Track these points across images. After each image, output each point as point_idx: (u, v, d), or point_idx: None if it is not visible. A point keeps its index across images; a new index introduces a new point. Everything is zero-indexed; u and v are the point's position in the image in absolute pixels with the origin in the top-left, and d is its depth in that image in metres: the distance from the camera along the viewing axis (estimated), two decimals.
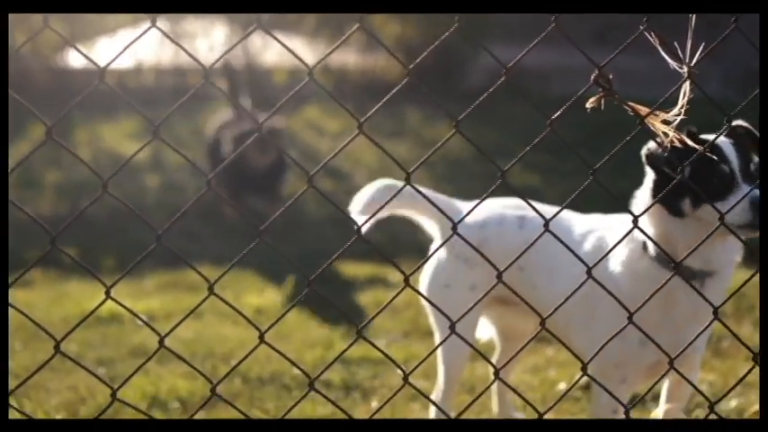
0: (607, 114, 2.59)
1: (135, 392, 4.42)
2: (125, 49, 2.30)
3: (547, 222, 2.58)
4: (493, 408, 4.21)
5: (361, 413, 4.20)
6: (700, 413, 4.06)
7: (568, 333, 3.36)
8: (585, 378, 3.36)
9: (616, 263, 3.19)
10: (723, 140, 3.00)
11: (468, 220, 3.57)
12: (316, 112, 10.60)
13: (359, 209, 3.69)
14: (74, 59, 11.50)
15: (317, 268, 6.40)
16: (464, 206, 3.68)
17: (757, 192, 2.88)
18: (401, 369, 2.70)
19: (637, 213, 2.93)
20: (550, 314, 2.62)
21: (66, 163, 8.84)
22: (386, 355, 2.74)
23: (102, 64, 2.18)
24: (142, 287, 6.21)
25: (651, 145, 2.97)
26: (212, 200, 7.47)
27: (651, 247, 3.09)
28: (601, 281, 2.78)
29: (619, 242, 2.80)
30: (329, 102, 11.02)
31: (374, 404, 4.30)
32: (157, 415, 4.22)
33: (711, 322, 2.83)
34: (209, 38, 11.64)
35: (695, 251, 2.89)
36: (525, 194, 3.75)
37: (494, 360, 4.11)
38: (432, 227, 3.80)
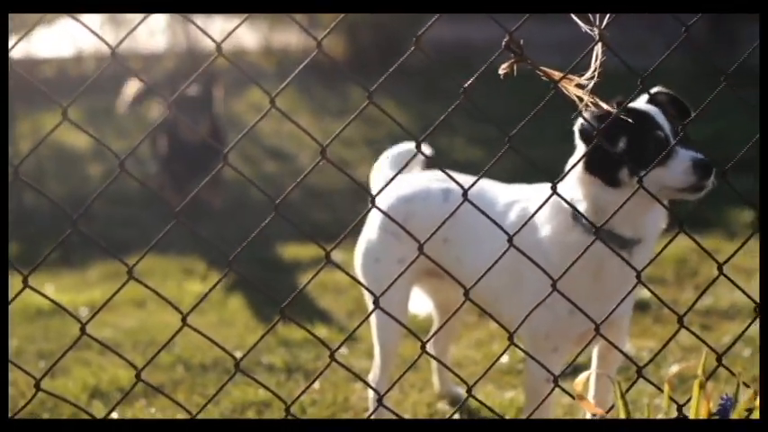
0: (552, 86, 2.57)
1: (76, 384, 4.38)
2: (131, 32, 2.28)
3: (465, 192, 2.56)
4: (434, 383, 4.20)
5: (303, 394, 4.17)
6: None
7: (498, 305, 3.35)
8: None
9: (545, 233, 3.18)
10: (651, 108, 3.03)
11: (397, 193, 3.56)
12: (259, 94, 10.51)
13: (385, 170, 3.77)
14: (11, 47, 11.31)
15: (261, 251, 6.38)
16: (406, 178, 3.66)
17: (699, 154, 2.92)
18: (327, 347, 2.69)
19: (565, 183, 2.93)
20: (473, 285, 2.60)
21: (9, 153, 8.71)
22: (311, 334, 2.72)
23: (42, 54, 2.14)
24: (85, 278, 6.13)
25: (583, 120, 2.96)
26: (156, 186, 7.40)
27: (584, 220, 3.07)
28: (528, 251, 2.80)
29: (538, 209, 2.78)
30: (273, 84, 10.94)
31: (316, 386, 4.28)
32: (98, 405, 4.17)
33: (634, 287, 2.83)
34: (149, 23, 11.50)
35: (628, 219, 2.91)
36: (469, 168, 3.75)
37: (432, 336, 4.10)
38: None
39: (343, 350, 4.69)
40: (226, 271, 2.56)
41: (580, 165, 3.06)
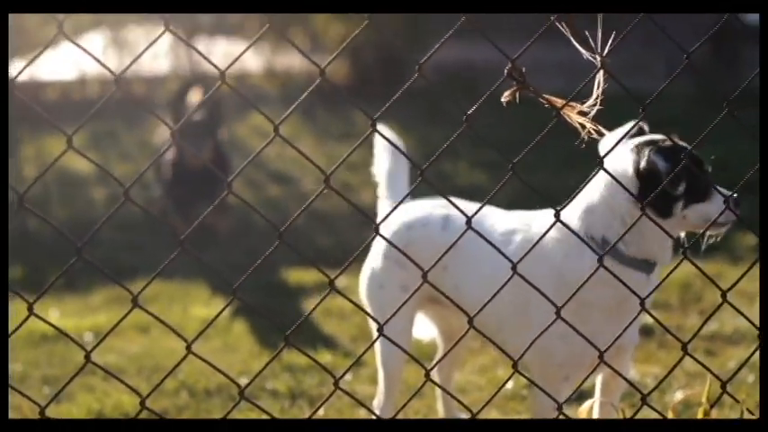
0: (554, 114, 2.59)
1: (80, 410, 4.37)
2: (140, 55, 2.30)
3: (469, 220, 2.57)
4: (439, 410, 4.19)
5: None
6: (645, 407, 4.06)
7: (502, 334, 3.34)
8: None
9: (565, 262, 3.18)
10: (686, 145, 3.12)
11: (398, 221, 3.57)
12: (262, 118, 10.51)
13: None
14: (16, 72, 11.37)
15: (265, 276, 6.37)
16: (410, 205, 3.67)
17: (735, 194, 3.09)
18: (331, 375, 2.68)
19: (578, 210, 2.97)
20: (477, 312, 2.61)
21: (11, 178, 8.74)
22: (315, 361, 2.72)
23: (46, 77, 2.16)
24: (89, 303, 6.13)
25: (644, 159, 3.08)
26: (160, 212, 7.42)
27: (625, 250, 3.14)
28: (536, 279, 2.83)
29: (540, 239, 2.79)
30: (276, 108, 10.98)
31: (321, 412, 4.27)
32: None
33: (639, 313, 2.83)
34: (153, 46, 11.55)
35: (663, 245, 3.14)
36: (473, 193, 3.76)
37: (436, 362, 4.09)
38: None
39: (348, 376, 4.68)
40: (230, 299, 2.54)
41: (630, 199, 3.07)
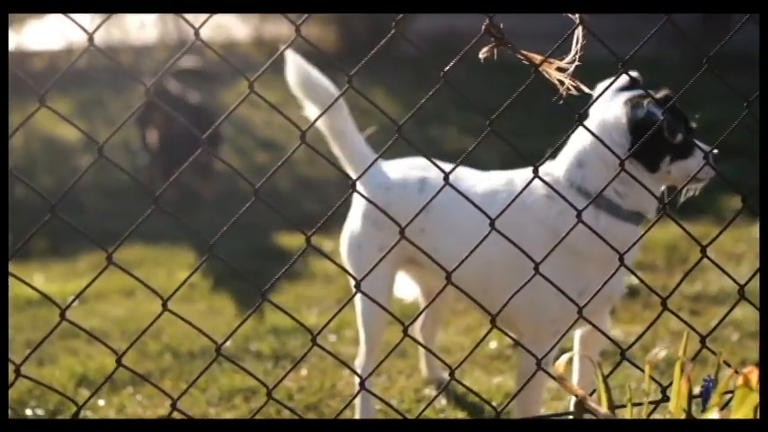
0: (541, 78, 2.58)
1: (63, 372, 4.37)
2: (100, 24, 2.25)
3: (447, 176, 2.56)
4: (422, 369, 4.20)
5: (290, 380, 4.17)
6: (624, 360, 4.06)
7: (489, 299, 3.33)
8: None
9: (554, 214, 3.17)
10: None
11: (377, 181, 3.55)
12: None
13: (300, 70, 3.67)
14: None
15: (252, 240, 6.35)
16: (388, 166, 3.65)
17: (715, 151, 3.08)
18: (310, 332, 2.68)
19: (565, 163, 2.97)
20: (455, 269, 2.60)
21: None
22: (294, 319, 2.71)
23: (33, 47, 2.14)
24: (75, 268, 6.13)
25: (639, 109, 3.07)
26: (147, 180, 7.40)
27: (619, 201, 3.15)
28: (528, 235, 3.04)
29: (519, 194, 2.78)
30: (264, 76, 10.90)
31: (303, 372, 4.28)
32: (85, 394, 4.16)
33: (618, 268, 2.82)
34: (140, 15, 11.50)
35: (651, 199, 3.13)
36: (459, 157, 3.73)
37: (419, 320, 4.10)
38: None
39: (332, 337, 4.69)
40: (204, 257, 2.53)
41: (619, 151, 3.00)
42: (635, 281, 5.26)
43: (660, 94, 3.13)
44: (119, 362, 2.57)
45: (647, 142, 2.93)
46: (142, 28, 11.02)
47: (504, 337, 4.37)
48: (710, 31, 10.61)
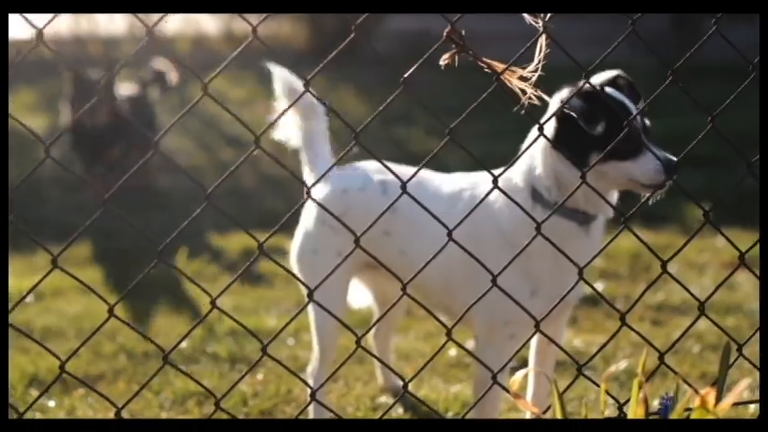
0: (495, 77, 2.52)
1: (13, 372, 4.28)
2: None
3: (404, 185, 2.51)
4: (378, 377, 4.15)
5: (245, 385, 4.11)
6: (590, 373, 4.02)
7: (449, 296, 3.30)
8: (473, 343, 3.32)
9: (504, 216, 3.12)
10: (624, 96, 3.01)
11: (334, 185, 3.49)
12: (220, 81, 10.40)
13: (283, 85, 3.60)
14: None
15: (216, 240, 6.26)
16: (349, 169, 3.59)
17: (668, 154, 2.93)
18: (258, 340, 2.62)
19: (523, 162, 2.92)
20: (411, 279, 2.55)
21: None
22: (241, 325, 2.64)
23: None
24: (33, 263, 6.02)
25: (566, 93, 2.94)
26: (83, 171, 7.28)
27: (547, 196, 3.04)
28: (486, 238, 3.04)
29: (477, 205, 2.74)
30: (234, 70, 10.84)
31: (260, 376, 4.21)
32: (35, 395, 4.08)
33: (578, 282, 2.78)
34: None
35: (591, 198, 2.98)
36: (427, 160, 3.67)
37: (373, 327, 4.04)
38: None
39: (290, 341, 4.62)
40: (154, 262, 2.47)
41: (549, 136, 2.97)
42: (597, 289, 5.24)
43: (605, 78, 3.03)
44: (62, 368, 2.49)
45: (569, 134, 2.89)
46: (111, 20, 10.90)
47: (465, 345, 4.32)
48: (680, 37, 10.63)
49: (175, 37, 11.16)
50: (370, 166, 3.55)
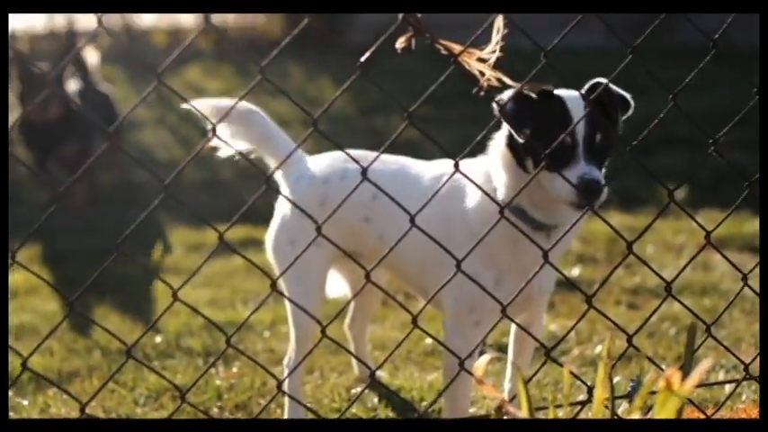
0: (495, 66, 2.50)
1: None
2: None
3: (364, 170, 2.50)
4: (354, 367, 4.13)
5: (220, 379, 4.08)
6: (566, 358, 4.01)
7: (424, 279, 3.29)
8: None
9: (471, 204, 3.09)
10: (577, 104, 2.84)
11: (313, 174, 3.46)
12: (197, 73, 10.38)
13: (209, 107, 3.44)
14: None
15: (191, 233, 6.19)
16: (323, 158, 3.56)
17: (593, 172, 2.76)
18: (223, 332, 2.60)
19: (472, 157, 2.88)
20: (374, 267, 2.55)
21: None
22: (207, 319, 2.62)
23: None
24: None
25: (503, 97, 2.82)
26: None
27: (500, 193, 2.99)
28: (455, 222, 3.01)
29: (438, 190, 2.73)
30: (210, 63, 10.82)
31: (234, 369, 4.18)
32: (9, 393, 4.05)
33: (541, 267, 2.76)
34: None
35: (538, 206, 2.93)
36: (405, 147, 3.66)
37: (348, 317, 4.02)
38: (278, 176, 3.63)
39: (266, 333, 4.60)
40: (113, 256, 2.44)
41: (504, 137, 2.96)
42: (575, 273, 5.23)
43: (549, 89, 2.87)
44: (24, 365, 2.46)
45: (512, 136, 2.85)
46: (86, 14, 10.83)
47: (438, 333, 4.30)
48: (662, 22, 10.63)
49: (151, 30, 11.12)
50: (353, 154, 3.51)
